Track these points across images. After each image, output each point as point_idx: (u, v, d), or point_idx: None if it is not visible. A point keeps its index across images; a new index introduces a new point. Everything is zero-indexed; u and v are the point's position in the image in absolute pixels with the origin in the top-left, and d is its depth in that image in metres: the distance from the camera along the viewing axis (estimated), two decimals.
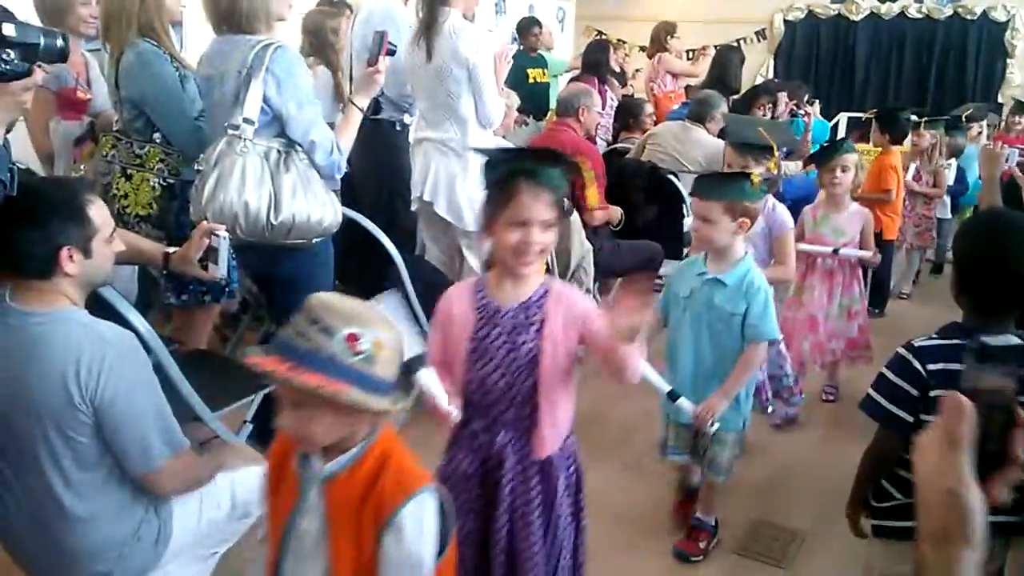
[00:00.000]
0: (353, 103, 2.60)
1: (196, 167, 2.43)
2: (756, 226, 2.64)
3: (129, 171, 2.66)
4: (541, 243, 1.67)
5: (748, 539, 2.68)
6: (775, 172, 2.90)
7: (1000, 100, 10.14)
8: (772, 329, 2.30)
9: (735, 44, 6.30)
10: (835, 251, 3.39)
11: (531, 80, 6.16)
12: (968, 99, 9.67)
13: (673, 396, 2.29)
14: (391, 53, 2.62)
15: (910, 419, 1.64)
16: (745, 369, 2.33)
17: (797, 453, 3.26)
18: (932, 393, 1.61)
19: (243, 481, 1.94)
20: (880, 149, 5.17)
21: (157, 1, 2.59)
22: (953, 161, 5.55)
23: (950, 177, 5.48)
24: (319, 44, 3.58)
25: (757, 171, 2.65)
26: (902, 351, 1.67)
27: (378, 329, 1.29)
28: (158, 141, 2.65)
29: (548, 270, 3.85)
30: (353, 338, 1.25)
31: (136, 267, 2.68)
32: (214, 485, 1.88)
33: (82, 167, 2.88)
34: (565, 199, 3.86)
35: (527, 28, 6.60)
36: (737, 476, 2.98)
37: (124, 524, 1.75)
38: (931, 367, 1.61)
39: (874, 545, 1.80)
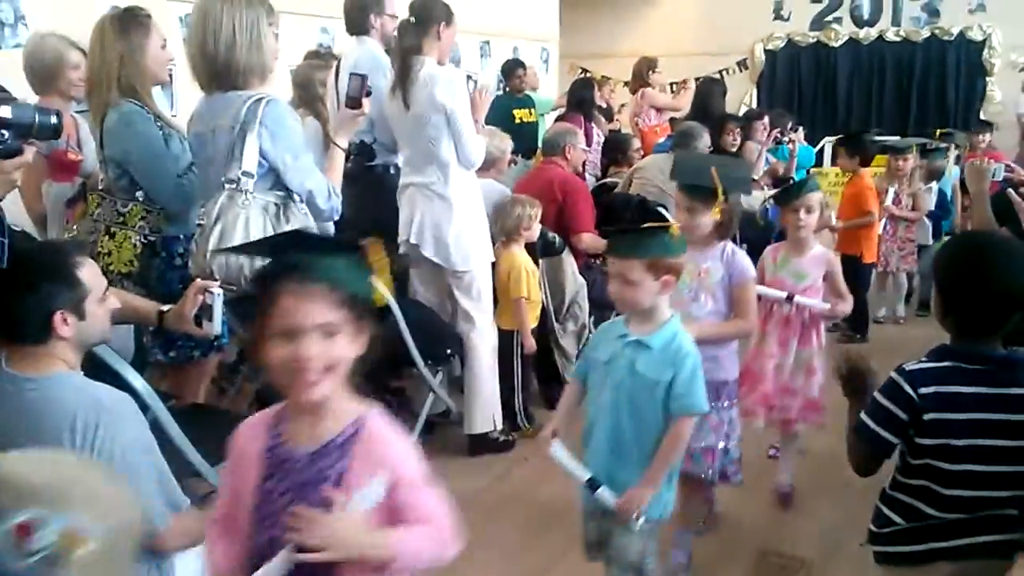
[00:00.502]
0: (336, 144, 2.64)
1: (197, 222, 2.45)
2: (715, 275, 2.51)
3: (112, 229, 2.70)
4: (324, 358, 1.26)
5: (756, 569, 2.67)
6: (721, 217, 2.53)
7: (983, 117, 10.25)
8: (701, 401, 2.02)
9: (717, 76, 6.40)
10: (789, 297, 2.96)
11: (518, 120, 6.23)
12: (950, 118, 9.80)
13: (593, 485, 2.04)
14: (369, 94, 2.67)
15: (895, 441, 1.67)
16: (673, 448, 2.02)
17: (800, 480, 3.25)
18: (927, 416, 1.62)
19: None
20: (850, 174, 5.28)
21: (138, 63, 2.64)
22: (934, 185, 5.57)
23: (931, 201, 5.50)
24: (308, 96, 3.63)
25: (706, 216, 2.48)
26: (894, 375, 1.68)
27: (83, 512, 0.95)
28: (140, 199, 2.69)
29: (543, 308, 3.89)
30: (26, 529, 0.92)
31: (132, 325, 2.69)
32: None
33: (75, 228, 2.90)
34: (555, 236, 3.98)
35: (512, 70, 6.70)
36: (741, 506, 2.99)
37: None
38: (923, 391, 1.62)
39: (877, 572, 1.79)
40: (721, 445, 2.53)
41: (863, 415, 1.71)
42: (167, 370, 2.85)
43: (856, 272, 4.89)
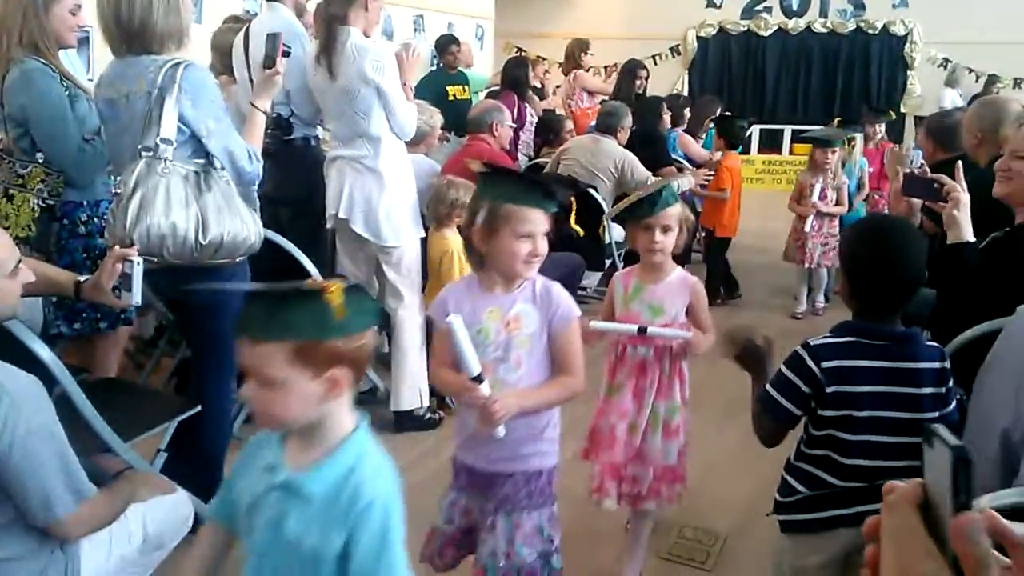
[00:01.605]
0: (255, 106, 2.58)
1: (114, 190, 2.37)
2: (528, 322, 1.84)
3: (11, 191, 2.62)
4: None
5: (672, 544, 2.73)
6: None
7: (903, 109, 10.62)
8: None
9: (638, 59, 6.49)
10: (641, 331, 2.30)
11: (451, 97, 6.19)
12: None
13: None
14: (287, 54, 2.62)
15: (798, 413, 1.74)
16: None
17: (718, 455, 3.33)
18: (829, 389, 1.69)
19: (155, 512, 1.89)
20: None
21: (39, 20, 2.57)
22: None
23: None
24: (230, 63, 3.53)
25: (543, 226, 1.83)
26: (799, 349, 1.74)
27: None
28: (41, 161, 2.61)
29: None
30: None
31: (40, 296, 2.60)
32: (125, 518, 1.82)
33: None
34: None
35: (445, 46, 6.64)
36: None
37: (30, 566, 1.67)
38: (825, 365, 1.69)
39: (782, 541, 1.86)
40: (535, 559, 1.89)
41: (768, 386, 1.77)
42: (73, 344, 2.76)
43: (710, 243, 5.69)
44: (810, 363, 1.70)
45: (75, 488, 1.67)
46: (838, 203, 5.14)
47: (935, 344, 1.78)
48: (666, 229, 2.34)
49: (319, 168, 3.51)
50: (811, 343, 1.73)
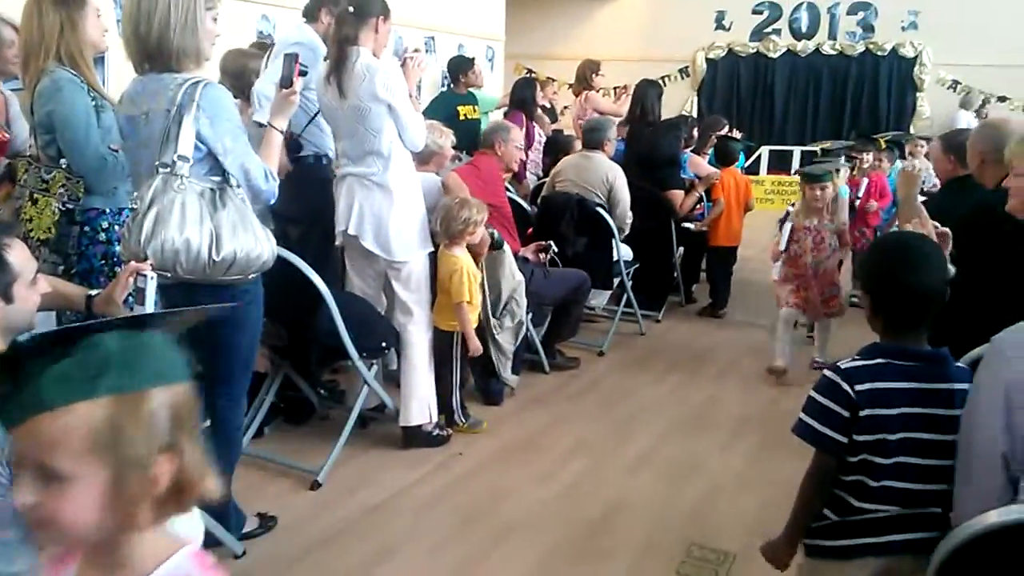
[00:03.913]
0: (272, 126, 2.62)
1: (130, 206, 2.42)
2: None
3: (35, 195, 2.69)
4: None
5: (681, 563, 2.72)
6: None
7: (912, 131, 10.64)
8: None
9: (653, 80, 6.47)
10: None
11: (462, 117, 6.24)
12: (882, 131, 10.19)
13: None
14: (303, 74, 2.66)
15: (843, 440, 1.66)
16: None
17: (727, 473, 3.33)
18: (862, 413, 1.64)
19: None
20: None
21: (78, 31, 2.64)
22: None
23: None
24: (242, 86, 3.56)
25: None
26: (830, 373, 1.69)
27: None
28: (64, 166, 2.68)
29: (483, 303, 3.89)
30: None
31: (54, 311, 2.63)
32: None
33: (1, 208, 2.83)
34: (495, 232, 3.99)
35: (461, 67, 6.70)
36: (669, 498, 3.05)
37: None
38: (859, 388, 1.64)
39: (806, 564, 1.81)
40: None
41: (804, 416, 1.70)
42: None
43: (708, 255, 5.90)
44: (845, 386, 1.64)
45: None
46: (842, 245, 4.50)
47: (965, 366, 1.75)
48: None
49: (329, 186, 3.54)
50: (842, 366, 1.68)
